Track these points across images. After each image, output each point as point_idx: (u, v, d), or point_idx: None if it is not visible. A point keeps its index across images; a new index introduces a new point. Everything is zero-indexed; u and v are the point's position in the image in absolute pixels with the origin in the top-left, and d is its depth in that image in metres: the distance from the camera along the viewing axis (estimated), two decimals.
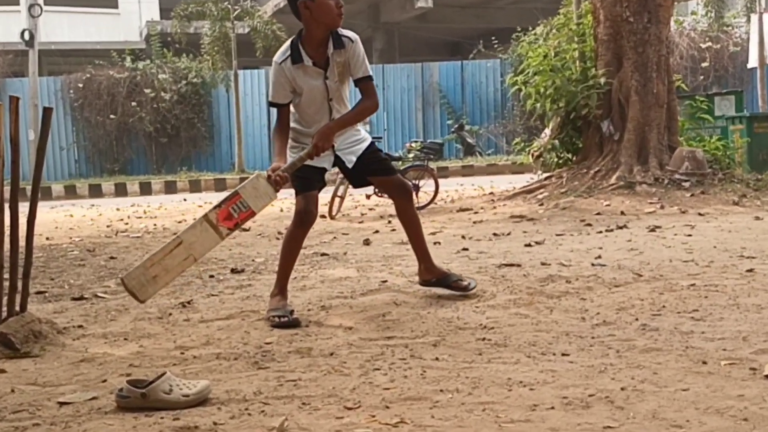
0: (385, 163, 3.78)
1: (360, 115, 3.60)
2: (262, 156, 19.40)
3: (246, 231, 7.40)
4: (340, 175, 8.66)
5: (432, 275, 3.78)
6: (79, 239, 7.27)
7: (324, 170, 3.65)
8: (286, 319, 3.35)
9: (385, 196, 8.82)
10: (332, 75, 3.49)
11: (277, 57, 3.49)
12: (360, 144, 3.67)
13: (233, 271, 4.93)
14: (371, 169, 3.68)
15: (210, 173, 17.75)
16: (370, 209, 9.17)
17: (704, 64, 19.33)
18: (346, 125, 3.54)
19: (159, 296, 4.17)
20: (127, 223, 8.84)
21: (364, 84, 3.52)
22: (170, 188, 16.31)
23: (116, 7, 24.11)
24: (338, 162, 3.65)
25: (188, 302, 3.94)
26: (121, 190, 16.23)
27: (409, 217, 3.74)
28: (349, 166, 3.64)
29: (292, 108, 3.58)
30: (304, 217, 3.53)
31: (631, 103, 8.54)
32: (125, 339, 3.26)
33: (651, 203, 7.55)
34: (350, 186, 8.68)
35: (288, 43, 3.52)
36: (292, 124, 3.59)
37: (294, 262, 3.69)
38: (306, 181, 3.56)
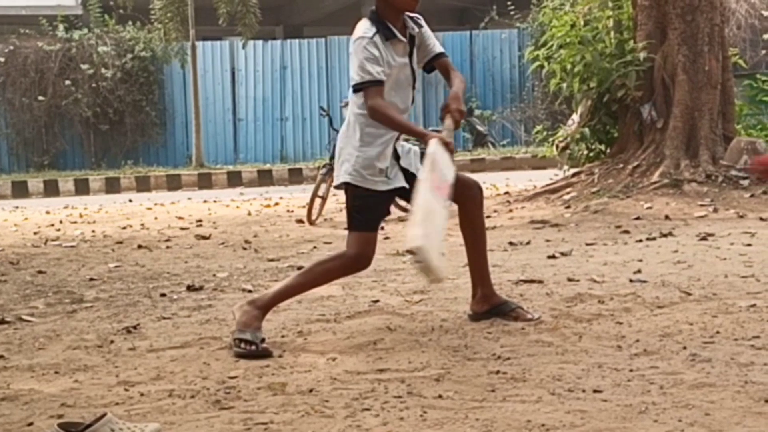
0: None
1: (465, 86, 3.73)
2: (225, 147, 19.37)
3: (206, 239, 7.40)
4: (322, 171, 8.69)
5: (489, 305, 3.76)
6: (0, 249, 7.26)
7: (398, 192, 3.64)
8: (254, 348, 3.35)
9: None
10: (414, 58, 3.63)
11: (365, 32, 3.48)
12: (413, 150, 3.72)
13: (190, 288, 4.92)
14: None
15: (161, 168, 17.71)
16: None
17: (767, 36, 19.42)
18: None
19: (98, 319, 4.17)
20: (59, 230, 8.81)
21: (446, 60, 3.74)
22: (112, 186, 16.27)
23: None
24: (407, 177, 3.61)
25: (134, 327, 3.93)
26: (51, 189, 16.19)
27: (476, 226, 3.74)
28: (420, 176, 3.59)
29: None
30: (359, 265, 3.59)
31: (677, 83, 8.57)
32: (56, 372, 3.24)
33: (702, 206, 7.57)
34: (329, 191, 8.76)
35: (366, 21, 3.54)
36: (366, 129, 3.52)
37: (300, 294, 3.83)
38: (375, 215, 3.59)
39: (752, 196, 7.80)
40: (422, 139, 3.49)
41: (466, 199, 3.70)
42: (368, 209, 3.55)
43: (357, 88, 3.49)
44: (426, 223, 3.17)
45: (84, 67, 18.52)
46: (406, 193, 3.63)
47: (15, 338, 3.83)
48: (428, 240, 3.13)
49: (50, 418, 2.67)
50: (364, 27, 3.52)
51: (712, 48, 8.59)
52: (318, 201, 8.46)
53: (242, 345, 3.36)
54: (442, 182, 3.33)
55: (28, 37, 19.02)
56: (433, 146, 3.34)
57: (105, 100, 18.62)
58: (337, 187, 3.71)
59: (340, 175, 3.59)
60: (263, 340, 3.42)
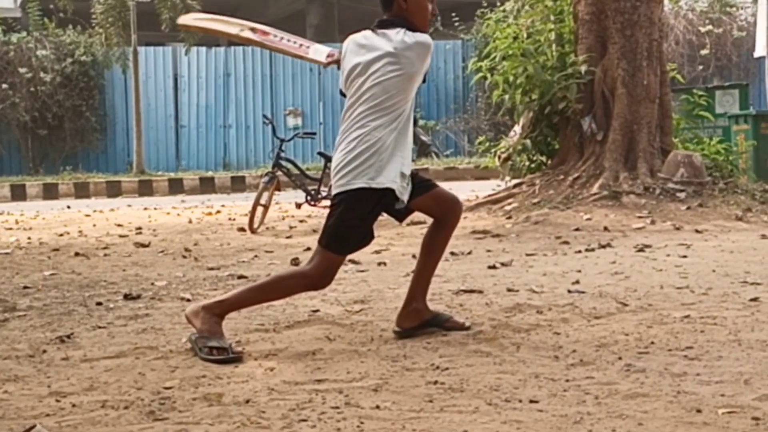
0: (425, 177, 3.84)
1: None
2: (167, 154, 19.18)
3: (145, 247, 7.30)
4: (264, 179, 8.65)
5: (419, 320, 3.72)
6: None
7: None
8: (227, 354, 3.35)
9: (320, 204, 8.84)
10: None
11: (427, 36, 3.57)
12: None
13: (127, 297, 4.84)
14: (417, 189, 3.65)
15: (101, 175, 17.47)
16: (301, 221, 9.14)
17: (704, 52, 19.87)
18: None
19: (30, 328, 4.08)
20: None
21: None
22: (50, 193, 16.00)
23: None
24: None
25: (68, 336, 3.85)
26: None
27: (440, 243, 3.74)
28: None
29: (395, 99, 3.51)
30: (320, 286, 3.64)
31: (616, 96, 8.71)
32: None
33: (640, 217, 7.70)
34: (313, 200, 8.74)
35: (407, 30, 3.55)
36: (398, 125, 3.53)
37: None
38: (365, 235, 3.55)
39: (688, 208, 7.95)
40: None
41: (446, 217, 3.72)
42: (362, 231, 3.52)
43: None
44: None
45: (22, 70, 18.20)
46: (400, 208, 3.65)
47: None
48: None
49: None
50: (425, 35, 3.56)
51: (650, 63, 8.75)
52: (260, 209, 8.42)
53: (214, 352, 3.36)
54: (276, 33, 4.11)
55: None
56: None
57: (44, 105, 18.32)
58: (341, 194, 3.53)
59: (359, 179, 3.46)
60: (230, 345, 3.43)
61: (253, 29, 3.99)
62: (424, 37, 3.55)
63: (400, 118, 3.53)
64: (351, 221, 3.50)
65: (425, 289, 3.79)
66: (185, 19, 4.19)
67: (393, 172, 3.48)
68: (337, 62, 3.85)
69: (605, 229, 7.30)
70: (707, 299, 4.29)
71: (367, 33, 3.63)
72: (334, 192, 3.57)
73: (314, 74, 19.55)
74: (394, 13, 3.59)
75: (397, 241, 7.18)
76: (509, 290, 4.67)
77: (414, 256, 6.11)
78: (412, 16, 3.57)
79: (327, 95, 19.87)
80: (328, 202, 8.78)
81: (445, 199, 3.73)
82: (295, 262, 6.11)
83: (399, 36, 3.51)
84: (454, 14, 20.25)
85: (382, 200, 3.51)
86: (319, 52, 4.01)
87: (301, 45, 4.02)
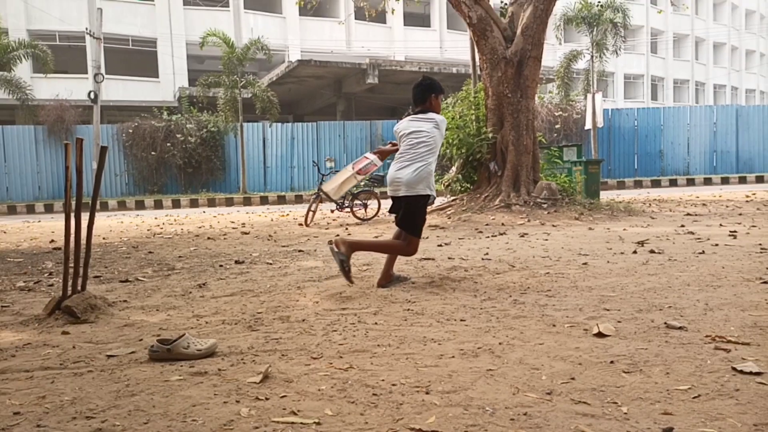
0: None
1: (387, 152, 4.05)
2: (259, 182, 19.12)
3: (247, 234, 7.26)
4: (313, 197, 8.59)
5: (390, 279, 3.64)
6: (126, 239, 7.03)
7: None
8: (346, 270, 3.38)
9: (344, 211, 8.80)
10: None
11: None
12: None
13: (236, 262, 4.82)
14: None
15: (222, 194, 17.38)
16: (334, 220, 9.10)
17: (557, 126, 19.86)
18: None
19: (182, 279, 4.06)
20: (161, 228, 8.58)
21: None
22: (194, 204, 15.92)
23: (157, 76, 23.55)
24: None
25: (203, 284, 3.84)
26: (158, 205, 15.77)
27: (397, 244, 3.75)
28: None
29: (437, 149, 3.59)
30: (412, 254, 3.57)
31: (509, 150, 8.70)
32: (157, 310, 3.15)
33: (521, 218, 7.68)
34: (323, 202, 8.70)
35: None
36: (435, 162, 3.60)
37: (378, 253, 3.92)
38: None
39: (548, 213, 7.93)
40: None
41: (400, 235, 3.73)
42: (423, 221, 3.58)
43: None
44: (335, 178, 3.88)
45: (178, 136, 18.13)
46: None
47: (134, 291, 3.71)
48: (331, 184, 3.88)
49: (153, 336, 2.59)
50: (441, 116, 3.64)
51: (528, 132, 8.73)
52: (311, 213, 8.37)
53: (344, 263, 3.38)
54: (359, 164, 3.99)
55: (146, 118, 18.57)
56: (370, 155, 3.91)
57: (190, 155, 18.25)
58: (416, 198, 3.55)
59: (424, 189, 3.53)
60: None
61: (358, 172, 4.02)
62: (444, 119, 3.67)
63: (436, 160, 3.64)
64: (424, 215, 3.58)
65: (393, 262, 3.73)
66: (334, 193, 3.96)
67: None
68: (382, 156, 3.94)
69: (502, 224, 7.28)
70: (559, 263, 4.28)
71: (413, 116, 3.66)
72: (409, 194, 3.53)
73: (341, 139, 19.51)
74: (426, 107, 3.64)
75: (387, 231, 7.15)
76: (449, 258, 4.65)
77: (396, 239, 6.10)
78: (435, 108, 3.66)
79: (349, 149, 19.82)
80: (348, 210, 8.79)
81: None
82: (330, 243, 6.07)
83: (436, 117, 3.61)
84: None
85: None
86: (376, 161, 4.02)
87: (369, 163, 4.01)
